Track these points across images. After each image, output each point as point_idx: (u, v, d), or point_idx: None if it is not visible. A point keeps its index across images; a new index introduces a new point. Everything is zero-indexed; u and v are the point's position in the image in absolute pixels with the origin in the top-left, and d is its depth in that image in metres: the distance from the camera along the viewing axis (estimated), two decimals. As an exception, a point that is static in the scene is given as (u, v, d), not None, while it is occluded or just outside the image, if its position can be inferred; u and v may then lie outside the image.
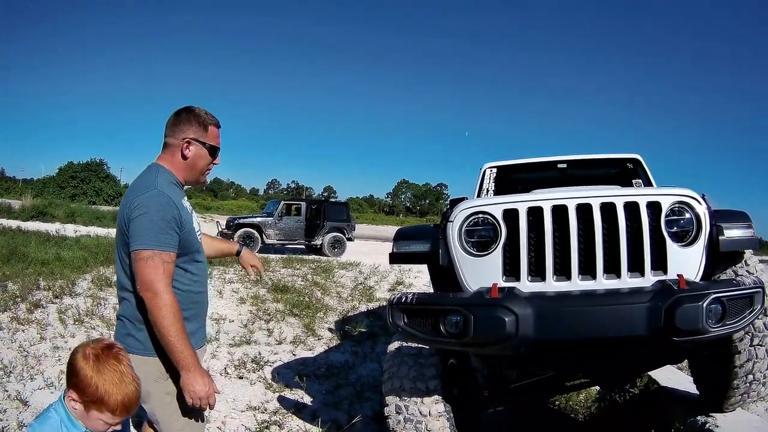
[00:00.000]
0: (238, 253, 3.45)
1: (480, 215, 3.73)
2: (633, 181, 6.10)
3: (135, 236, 2.46)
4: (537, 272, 3.60)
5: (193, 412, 2.62)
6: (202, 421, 2.76)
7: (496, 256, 3.66)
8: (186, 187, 2.85)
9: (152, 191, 2.51)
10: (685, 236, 3.52)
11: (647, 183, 5.99)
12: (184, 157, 2.71)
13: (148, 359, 2.54)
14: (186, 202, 2.73)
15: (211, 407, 2.55)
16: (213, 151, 2.78)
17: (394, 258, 4.31)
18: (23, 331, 6.69)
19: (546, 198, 3.62)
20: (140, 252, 2.43)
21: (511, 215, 3.64)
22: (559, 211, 3.56)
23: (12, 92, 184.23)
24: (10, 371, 5.54)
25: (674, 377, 5.88)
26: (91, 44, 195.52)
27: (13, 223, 19.35)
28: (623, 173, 6.28)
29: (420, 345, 4.06)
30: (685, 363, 5.46)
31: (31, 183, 59.10)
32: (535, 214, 3.60)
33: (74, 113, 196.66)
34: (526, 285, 3.54)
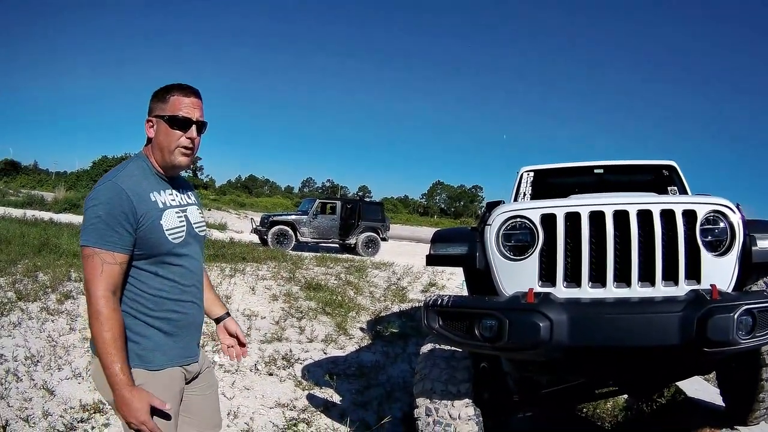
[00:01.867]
0: (220, 319, 2.83)
1: (518, 219, 3.71)
2: (668, 188, 6.04)
3: (81, 231, 2.21)
4: (572, 278, 3.57)
5: None
6: None
7: (533, 260, 3.64)
8: (185, 173, 2.59)
9: (106, 183, 2.24)
10: (719, 246, 3.47)
11: (682, 190, 5.94)
12: (149, 140, 2.40)
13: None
14: (163, 195, 2.38)
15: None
16: (173, 122, 2.33)
17: (432, 260, 4.31)
18: (53, 321, 6.81)
19: (584, 204, 3.59)
20: (83, 249, 2.18)
21: (548, 220, 3.61)
22: (597, 217, 3.53)
23: (47, 86, 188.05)
24: (38, 360, 5.63)
25: (701, 388, 5.82)
26: (128, 38, 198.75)
27: (46, 215, 19.72)
28: (659, 180, 6.22)
29: (453, 348, 4.04)
30: (712, 374, 5.39)
31: (64, 176, 59.87)
32: (572, 219, 3.57)
33: (109, 107, 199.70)
34: (561, 291, 3.52)
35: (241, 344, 2.88)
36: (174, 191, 2.46)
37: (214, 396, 2.69)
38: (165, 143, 2.35)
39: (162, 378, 2.29)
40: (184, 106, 2.36)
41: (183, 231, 2.40)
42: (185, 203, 2.49)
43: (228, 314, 2.87)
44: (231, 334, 2.85)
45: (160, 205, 2.34)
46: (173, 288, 2.36)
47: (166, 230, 2.32)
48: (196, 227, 2.51)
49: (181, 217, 2.42)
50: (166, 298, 2.34)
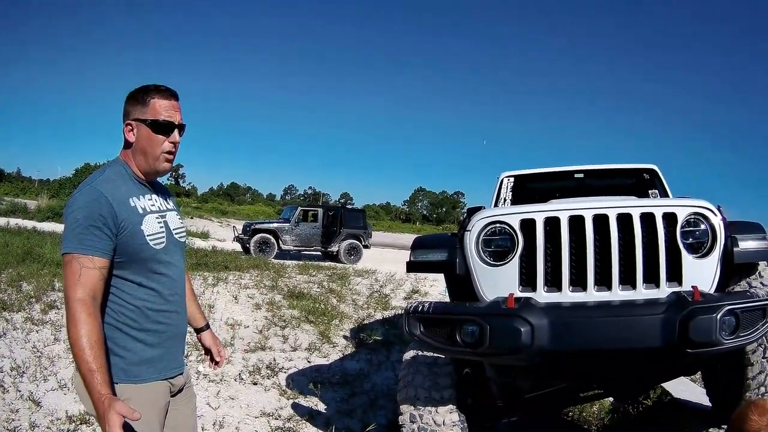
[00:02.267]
0: (199, 331, 2.83)
1: (497, 225, 3.74)
2: (649, 191, 6.09)
3: (62, 239, 2.14)
4: (553, 283, 3.60)
5: None
6: None
7: (513, 266, 3.67)
8: (164, 178, 2.51)
9: (85, 188, 2.17)
10: (700, 248, 3.52)
11: (663, 194, 5.98)
12: (128, 144, 2.31)
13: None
14: (142, 201, 2.30)
15: None
16: (156, 126, 2.27)
17: (412, 266, 4.33)
18: (37, 331, 6.74)
19: (563, 208, 3.63)
20: (64, 257, 2.10)
21: (528, 225, 3.64)
22: (576, 222, 3.56)
23: (28, 92, 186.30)
24: (23, 371, 5.59)
25: (687, 389, 5.86)
26: (108, 44, 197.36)
27: (29, 224, 19.50)
28: (640, 183, 6.27)
29: (435, 354, 4.06)
30: (698, 374, 5.43)
31: (47, 184, 59.19)
32: (552, 224, 3.60)
33: (92, 114, 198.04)
34: (542, 295, 3.55)
35: (213, 360, 2.87)
36: (153, 196, 2.40)
37: (191, 409, 2.61)
38: (149, 149, 2.29)
39: (148, 392, 2.24)
40: (164, 110, 2.30)
41: (164, 237, 2.34)
42: (164, 209, 2.42)
43: (207, 327, 2.85)
44: (206, 348, 2.85)
45: (140, 210, 2.27)
46: (157, 298, 2.29)
47: (147, 236, 2.26)
48: (176, 233, 2.45)
49: (161, 222, 2.35)
50: (151, 309, 2.26)
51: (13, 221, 19.40)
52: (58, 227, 19.71)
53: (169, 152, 2.34)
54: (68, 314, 2.03)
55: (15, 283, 8.57)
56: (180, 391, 2.48)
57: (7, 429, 4.47)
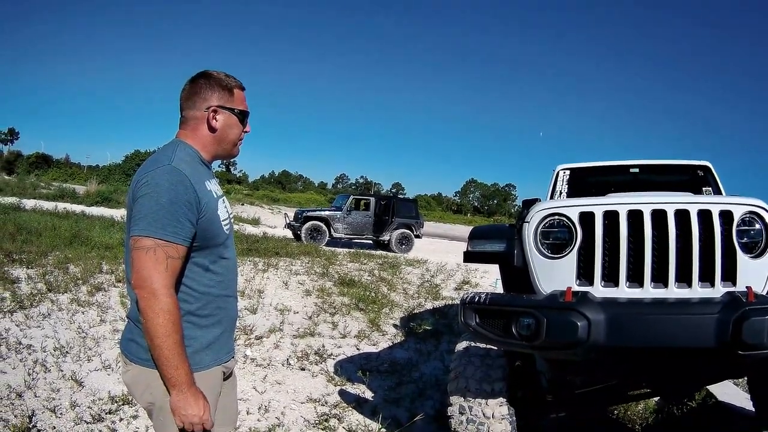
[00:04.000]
0: None
1: (556, 217, 3.68)
2: (703, 188, 6.05)
3: (138, 219, 2.03)
4: (610, 277, 3.53)
5: None
6: None
7: (571, 259, 3.59)
8: (216, 163, 2.49)
9: (165, 167, 2.08)
10: (754, 247, 3.42)
11: (717, 191, 5.96)
12: (212, 129, 2.29)
13: (153, 372, 2.09)
14: (212, 185, 2.28)
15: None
16: (243, 116, 2.37)
17: (469, 256, 4.33)
18: (83, 313, 6.85)
19: (622, 202, 3.55)
20: (141, 239, 2.00)
21: (586, 218, 3.57)
22: (635, 216, 3.48)
23: (81, 80, 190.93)
24: (67, 351, 5.66)
25: (731, 392, 5.78)
26: (160, 34, 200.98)
27: (77, 208, 19.90)
28: (693, 180, 6.22)
29: (489, 346, 4.02)
30: (743, 379, 5.34)
31: (96, 170, 60.35)
32: (610, 218, 3.52)
33: (142, 101, 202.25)
34: (599, 290, 3.48)
35: None
36: (216, 180, 2.39)
37: (235, 392, 2.63)
38: (231, 136, 2.35)
39: (209, 378, 2.22)
40: (244, 100, 2.39)
41: (229, 221, 2.35)
42: (223, 193, 2.40)
43: None
44: None
45: (215, 195, 2.26)
46: (220, 283, 2.27)
47: (222, 221, 2.27)
48: (231, 218, 2.45)
49: (225, 207, 2.35)
50: (214, 294, 2.25)
51: (62, 205, 19.81)
52: (107, 212, 20.18)
53: (241, 139, 2.42)
54: (156, 308, 1.97)
55: (62, 265, 8.74)
56: (230, 375, 2.47)
57: (48, 408, 4.50)
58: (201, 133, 2.30)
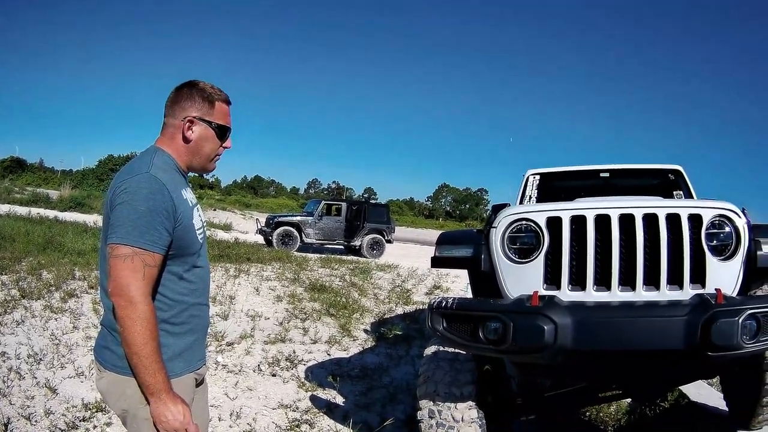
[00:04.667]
0: None
1: (523, 222, 3.71)
2: (674, 192, 6.11)
3: (116, 227, 2.01)
4: (577, 281, 3.56)
5: None
6: None
7: (538, 263, 3.62)
8: (190, 174, 2.41)
9: (143, 174, 2.07)
10: (724, 250, 3.47)
11: (688, 195, 5.97)
12: (186, 140, 2.25)
13: (128, 380, 2.08)
14: (187, 193, 2.27)
15: None
16: (222, 131, 2.30)
17: (437, 262, 4.31)
18: (56, 319, 6.81)
19: (589, 207, 3.59)
20: (118, 247, 1.98)
21: (554, 223, 3.60)
22: (602, 221, 3.51)
23: (53, 84, 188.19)
24: (41, 359, 5.62)
25: (704, 392, 5.84)
26: (133, 36, 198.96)
27: (51, 213, 19.71)
28: (665, 184, 6.27)
29: (457, 350, 4.03)
30: (715, 378, 5.39)
31: (70, 174, 59.51)
32: (578, 222, 3.55)
33: (115, 106, 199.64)
34: (566, 294, 3.51)
35: None
36: (190, 189, 2.36)
37: (206, 399, 2.61)
38: (207, 150, 2.31)
39: (180, 385, 2.19)
40: (227, 115, 2.34)
41: (203, 230, 2.34)
42: (197, 202, 2.38)
43: None
44: None
45: (190, 204, 2.25)
46: (193, 292, 2.26)
47: (197, 229, 2.26)
48: (205, 226, 2.44)
49: (199, 215, 2.33)
50: (188, 303, 2.24)
51: (35, 211, 19.58)
52: (80, 217, 19.98)
53: (219, 154, 2.37)
54: (135, 313, 1.96)
55: (35, 272, 8.68)
56: (202, 381, 2.47)
57: (22, 416, 4.49)
58: (176, 143, 2.27)
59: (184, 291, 2.22)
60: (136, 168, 2.12)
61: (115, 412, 2.22)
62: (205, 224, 2.42)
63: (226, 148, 2.38)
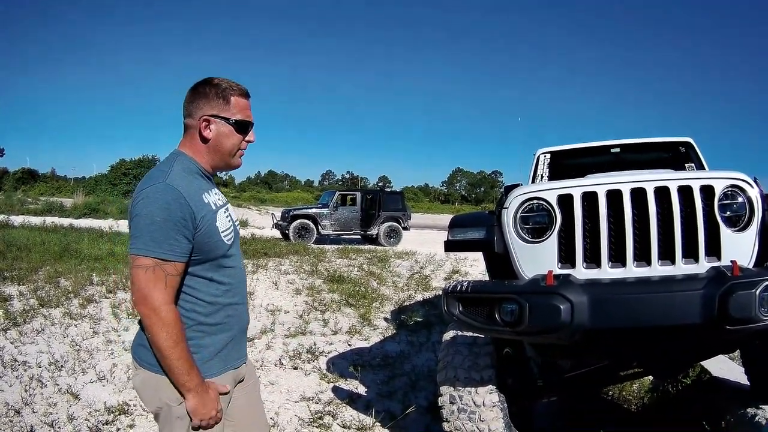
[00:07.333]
0: None
1: (535, 201, 3.66)
2: (686, 164, 6.03)
3: (134, 238, 2.05)
4: (592, 259, 3.51)
5: None
6: None
7: (552, 242, 3.58)
8: (221, 173, 2.43)
9: (158, 184, 2.07)
10: (738, 221, 3.40)
11: (699, 167, 5.90)
12: (205, 140, 2.25)
13: (161, 378, 2.13)
14: (212, 196, 2.26)
15: (218, 420, 2.17)
16: (240, 126, 2.28)
17: (450, 246, 4.27)
18: (76, 326, 6.87)
19: (600, 183, 3.53)
20: (138, 258, 2.02)
21: (565, 201, 3.55)
22: (614, 196, 3.47)
23: (62, 93, 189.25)
24: (62, 365, 5.67)
25: (726, 367, 5.76)
26: (140, 41, 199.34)
27: (66, 221, 19.86)
28: (675, 157, 6.20)
29: (475, 334, 4.01)
30: (737, 353, 5.32)
31: (82, 181, 59.96)
32: (589, 199, 3.51)
33: (124, 111, 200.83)
34: (581, 272, 3.47)
35: None
36: (216, 189, 2.36)
37: (258, 399, 2.60)
38: (227, 147, 2.28)
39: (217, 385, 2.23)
40: (245, 109, 2.31)
41: (232, 230, 2.32)
42: (225, 201, 2.39)
43: None
44: None
45: (213, 207, 2.23)
46: (227, 292, 2.27)
47: (221, 232, 2.23)
48: (236, 224, 2.42)
49: (227, 216, 2.33)
50: (221, 303, 2.25)
51: (50, 220, 19.79)
52: (95, 223, 20.10)
53: (243, 150, 2.35)
54: (160, 321, 2.01)
55: (53, 280, 8.76)
56: (241, 380, 2.46)
57: (45, 423, 4.53)
58: (196, 143, 2.27)
59: (217, 292, 2.24)
60: (154, 177, 2.13)
61: (149, 410, 2.26)
62: (236, 223, 2.41)
63: (249, 141, 2.35)
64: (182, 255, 2.07)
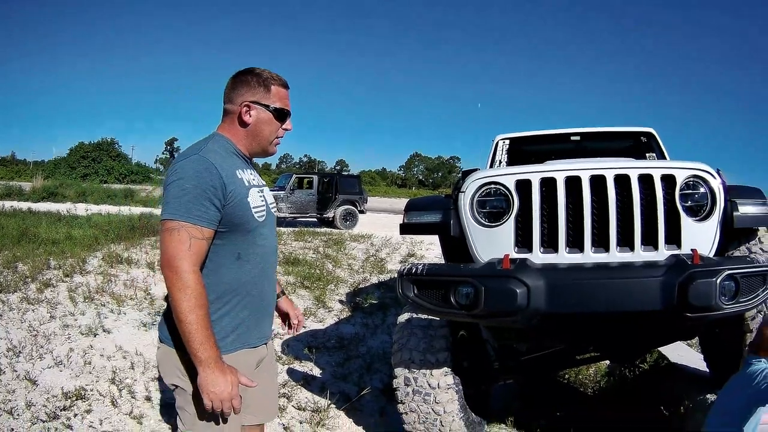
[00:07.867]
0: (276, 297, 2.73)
1: (492, 186, 3.66)
2: (647, 155, 6.04)
3: (165, 204, 2.11)
4: (549, 244, 3.52)
5: (213, 415, 2.16)
6: (225, 422, 2.22)
7: (508, 226, 3.58)
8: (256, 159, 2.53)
9: (192, 156, 2.15)
10: (699, 211, 3.44)
11: (661, 157, 5.93)
12: (244, 124, 2.34)
13: (174, 352, 2.20)
14: (245, 174, 2.32)
15: (236, 411, 2.12)
16: (279, 114, 2.37)
17: (405, 228, 4.25)
18: (33, 311, 6.70)
19: (559, 169, 3.54)
20: (166, 222, 2.08)
21: (523, 186, 3.56)
22: (573, 183, 3.47)
23: (20, 76, 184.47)
24: (20, 351, 5.53)
25: (685, 354, 5.85)
26: (98, 25, 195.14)
27: (24, 205, 19.47)
28: (637, 147, 6.22)
29: (430, 316, 4.00)
30: (695, 340, 5.40)
31: (42, 165, 58.89)
32: (548, 184, 3.51)
33: (84, 94, 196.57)
34: (538, 256, 3.47)
35: (289, 325, 2.87)
36: (253, 171, 2.44)
37: (274, 383, 2.65)
38: (266, 133, 2.38)
39: (233, 362, 2.20)
40: (284, 98, 2.40)
41: (264, 210, 2.38)
42: (262, 184, 2.46)
43: (283, 293, 2.85)
44: (284, 312, 2.84)
45: (246, 183, 2.30)
46: (252, 269, 2.32)
47: (253, 208, 2.29)
48: (272, 207, 2.48)
49: (261, 196, 2.38)
50: (246, 280, 2.29)
51: (8, 204, 19.37)
52: (53, 206, 19.70)
53: (280, 138, 2.46)
54: (179, 285, 2.03)
55: (10, 265, 8.57)
56: (261, 361, 2.48)
57: (4, 410, 4.41)
58: (235, 128, 2.36)
59: (241, 269, 2.28)
60: (189, 152, 2.22)
61: (167, 383, 2.30)
62: (269, 204, 2.46)
63: (286, 130, 2.46)
64: (210, 222, 2.12)
